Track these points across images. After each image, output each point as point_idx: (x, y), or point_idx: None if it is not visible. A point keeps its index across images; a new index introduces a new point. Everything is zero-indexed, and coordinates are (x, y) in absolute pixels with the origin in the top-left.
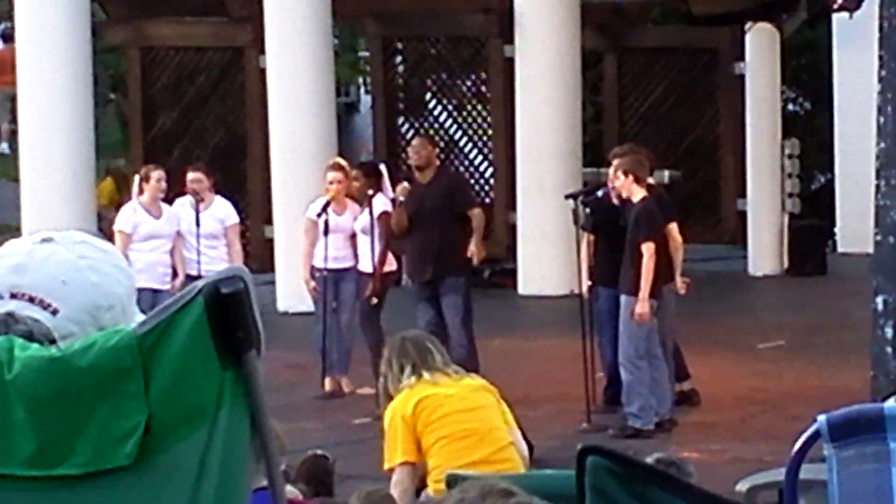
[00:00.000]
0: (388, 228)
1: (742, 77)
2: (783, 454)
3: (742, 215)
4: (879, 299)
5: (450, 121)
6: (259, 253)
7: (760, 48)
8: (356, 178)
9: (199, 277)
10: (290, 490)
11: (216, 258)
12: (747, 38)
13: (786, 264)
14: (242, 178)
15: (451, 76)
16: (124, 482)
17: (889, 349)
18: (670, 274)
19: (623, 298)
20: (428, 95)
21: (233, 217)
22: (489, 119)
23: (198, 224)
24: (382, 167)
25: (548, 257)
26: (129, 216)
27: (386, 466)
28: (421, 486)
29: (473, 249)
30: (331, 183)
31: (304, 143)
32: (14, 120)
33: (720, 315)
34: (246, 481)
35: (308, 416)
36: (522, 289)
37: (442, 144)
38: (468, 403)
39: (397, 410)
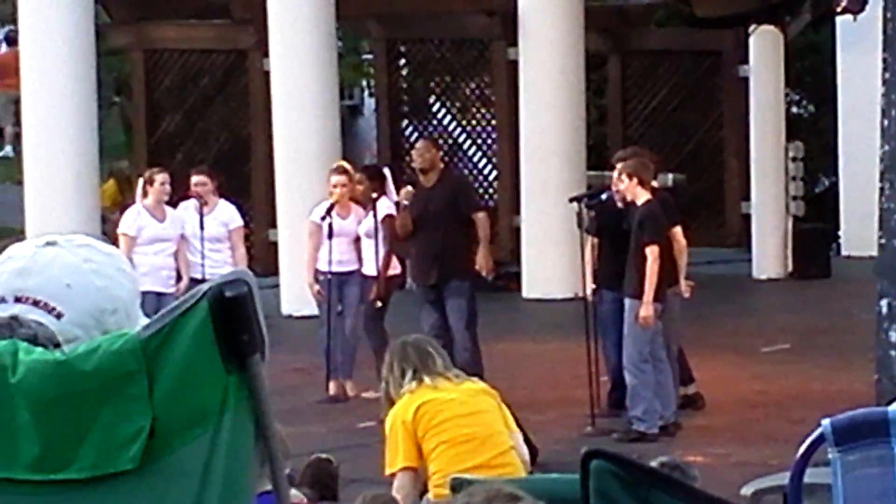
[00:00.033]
0: (392, 232)
1: (746, 79)
2: (787, 458)
3: (746, 218)
4: (884, 302)
5: (453, 123)
6: (263, 256)
7: (764, 50)
8: (360, 181)
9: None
10: (295, 494)
11: (220, 261)
12: (751, 40)
13: (790, 267)
14: (246, 181)
15: (454, 79)
16: (128, 486)
17: (893, 352)
18: (674, 277)
19: (627, 302)
20: (432, 98)
21: (237, 220)
22: (493, 122)
23: (202, 227)
24: (386, 170)
25: (552, 260)
26: (133, 219)
27: (387, 472)
28: (423, 490)
29: (482, 263)
30: (335, 186)
31: (308, 146)
32: (18, 123)
33: (724, 318)
34: (250, 485)
35: (312, 420)
36: (526, 292)
37: (446, 147)
38: (468, 408)
39: (398, 416)
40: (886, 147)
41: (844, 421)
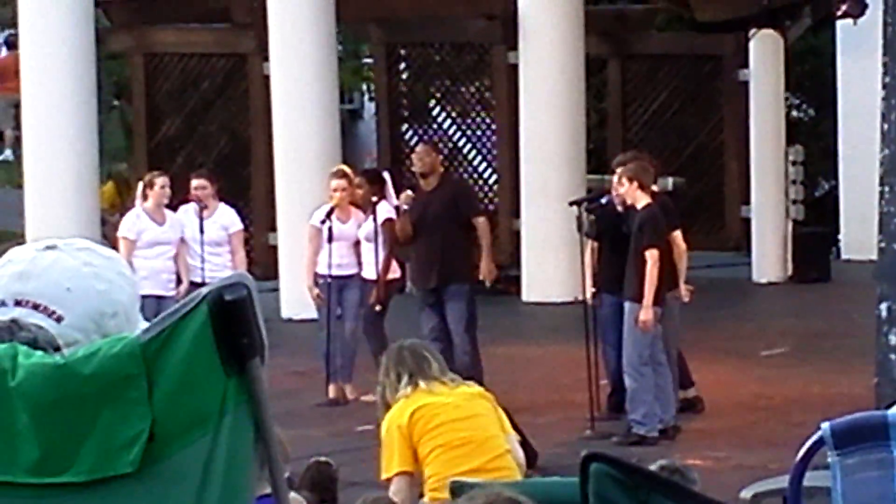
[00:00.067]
0: (391, 235)
1: (746, 83)
2: (787, 461)
3: (746, 222)
4: (884, 306)
5: (454, 127)
6: (263, 260)
7: (764, 55)
8: (360, 185)
9: (202, 284)
10: (294, 497)
11: (220, 265)
12: (751, 44)
13: (790, 271)
14: (246, 184)
15: (454, 82)
16: (128, 489)
17: (893, 356)
18: (674, 281)
19: (627, 305)
20: (432, 102)
21: (236, 224)
22: (493, 125)
23: (202, 231)
24: (386, 174)
25: (552, 264)
26: (133, 223)
27: (383, 477)
28: (420, 494)
29: (485, 270)
30: (335, 190)
31: (308, 150)
32: (18, 126)
33: (724, 322)
34: (250, 488)
35: (312, 423)
36: (526, 295)
37: (446, 151)
38: (464, 412)
39: (393, 420)
40: (886, 151)
41: (844, 424)
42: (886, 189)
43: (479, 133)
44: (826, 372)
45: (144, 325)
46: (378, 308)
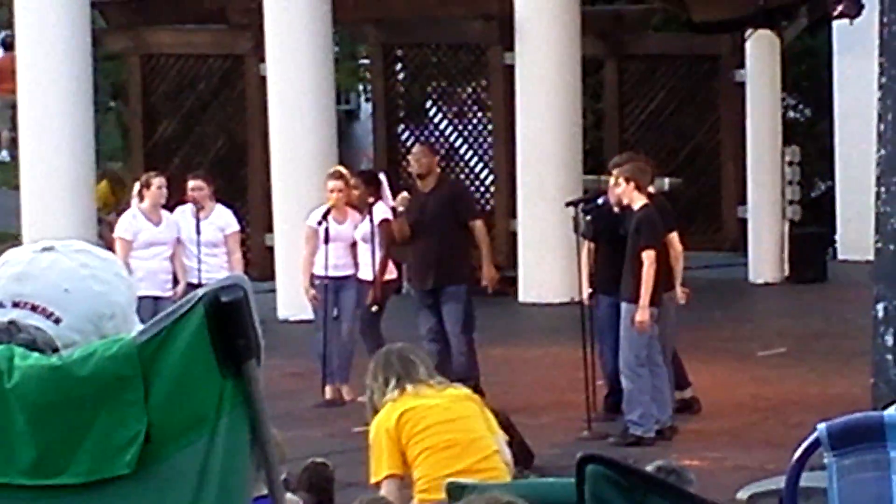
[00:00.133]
0: (388, 236)
1: (742, 84)
2: (784, 462)
3: (742, 222)
4: (880, 307)
5: (450, 128)
6: (259, 261)
7: (761, 55)
8: (356, 186)
9: (199, 286)
10: (291, 498)
11: (216, 266)
12: (748, 45)
13: (786, 271)
14: (243, 185)
15: (451, 83)
16: (125, 491)
17: (889, 357)
18: (671, 283)
19: (624, 306)
20: (428, 103)
21: (233, 225)
22: (489, 126)
23: (198, 232)
24: (382, 175)
25: (548, 265)
26: (130, 223)
27: (372, 480)
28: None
29: (488, 276)
30: (331, 191)
31: (305, 151)
32: (14, 128)
33: (721, 322)
34: (246, 489)
35: (309, 424)
36: (523, 296)
37: (442, 152)
38: (451, 414)
39: (381, 424)
40: (883, 151)
41: (840, 425)
42: (883, 189)
43: (475, 134)
44: (823, 372)
45: (140, 327)
46: (375, 309)
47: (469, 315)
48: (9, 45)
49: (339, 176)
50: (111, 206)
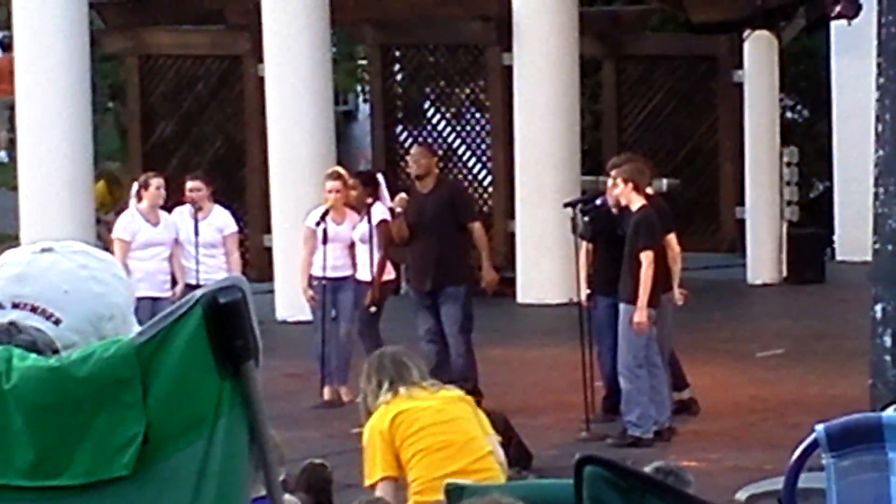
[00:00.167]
0: (386, 237)
1: (741, 85)
2: (782, 463)
3: (741, 223)
4: (878, 307)
5: (448, 129)
6: (258, 262)
7: (759, 56)
8: (354, 186)
9: (197, 286)
10: (290, 499)
11: (215, 267)
12: (746, 45)
13: (784, 272)
14: (241, 186)
15: (449, 84)
16: (123, 492)
17: (888, 357)
18: (669, 284)
19: (622, 307)
20: (426, 103)
21: (231, 226)
22: (487, 127)
23: (196, 233)
24: (380, 176)
25: (547, 266)
26: (128, 223)
27: (366, 483)
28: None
29: (487, 280)
30: (329, 191)
31: (303, 152)
32: (13, 128)
33: (719, 323)
34: (245, 490)
35: (307, 425)
36: (521, 297)
37: (440, 153)
38: (444, 416)
39: (374, 427)
40: (881, 152)
41: (838, 426)
42: (881, 190)
43: (473, 134)
44: (821, 373)
45: (138, 329)
46: (373, 310)
47: (468, 316)
48: (7, 46)
49: (338, 176)
50: (109, 206)
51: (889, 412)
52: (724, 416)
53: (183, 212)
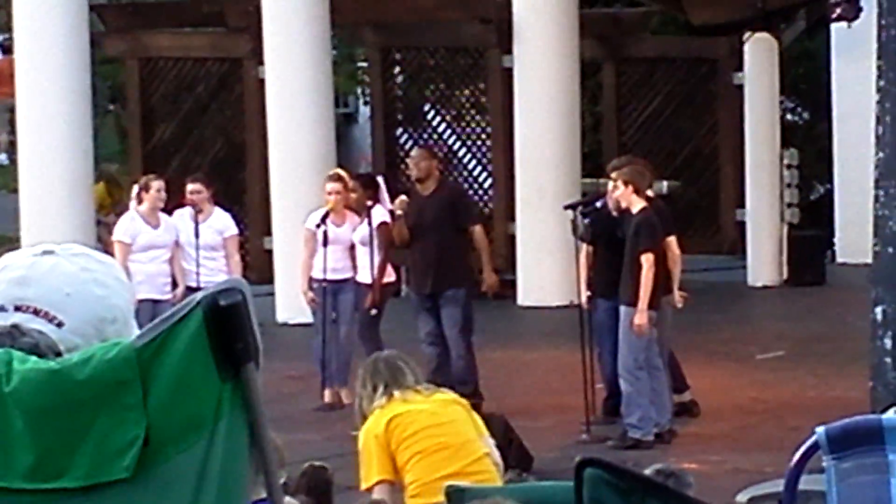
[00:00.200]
0: (387, 239)
1: (741, 87)
2: (783, 465)
3: (741, 225)
4: (878, 310)
5: (448, 131)
6: (258, 264)
7: (759, 58)
8: (354, 189)
9: (198, 289)
10: (290, 502)
11: (215, 269)
12: (746, 47)
13: (785, 274)
14: (241, 188)
15: (449, 86)
16: (123, 494)
17: (888, 360)
18: (669, 286)
19: (622, 309)
20: (426, 106)
21: (231, 228)
22: (488, 129)
23: (197, 235)
24: (380, 179)
25: (547, 268)
26: (128, 226)
27: (363, 487)
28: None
29: (488, 283)
30: (330, 194)
31: (303, 154)
32: (13, 131)
33: (719, 325)
34: (245, 493)
35: (307, 428)
36: (522, 300)
37: (441, 155)
38: (440, 418)
39: (370, 431)
40: (881, 154)
41: (838, 429)
42: (881, 192)
43: (473, 137)
44: (821, 375)
45: (137, 332)
46: (373, 312)
47: (468, 318)
48: (7, 49)
49: (338, 178)
50: (108, 208)
51: (889, 414)
52: (724, 418)
53: (183, 214)
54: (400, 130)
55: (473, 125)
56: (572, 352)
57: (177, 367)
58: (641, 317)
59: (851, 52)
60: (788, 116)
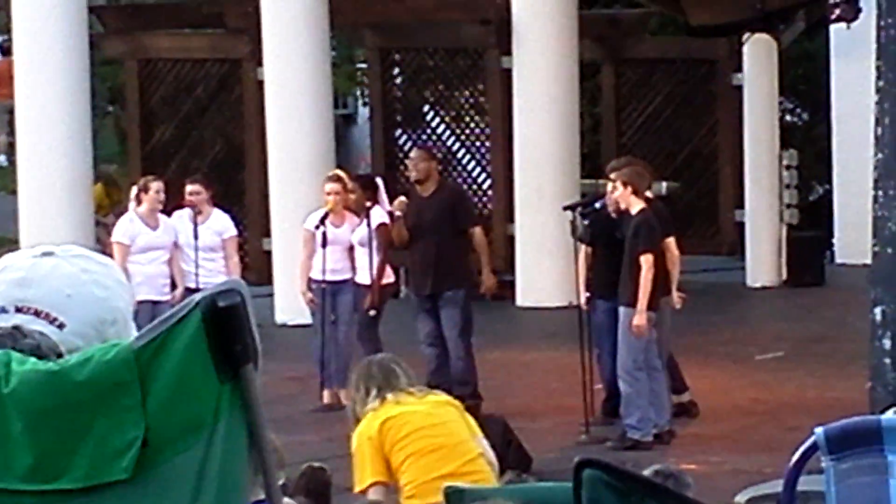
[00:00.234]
0: (386, 240)
1: (740, 88)
2: (782, 466)
3: (740, 226)
4: (878, 310)
5: (447, 132)
6: (257, 265)
7: (758, 59)
8: (353, 190)
9: (197, 290)
10: (289, 503)
11: (214, 271)
12: (745, 48)
13: (784, 275)
14: (240, 189)
15: (448, 87)
16: (122, 496)
17: (887, 360)
18: (668, 287)
19: (622, 310)
20: (426, 107)
21: (230, 230)
22: (487, 130)
23: (196, 236)
24: (379, 180)
25: (546, 269)
26: (127, 227)
27: (357, 489)
28: None
29: (487, 285)
30: (329, 194)
31: (302, 155)
32: (12, 132)
33: (718, 326)
34: (244, 494)
35: (306, 429)
36: (521, 300)
37: (440, 156)
38: (433, 419)
39: (363, 434)
40: (880, 155)
41: (837, 429)
42: (880, 193)
43: (472, 138)
44: (820, 376)
45: (136, 332)
46: (372, 313)
47: (467, 319)
48: (7, 50)
49: (337, 179)
50: (106, 209)
51: (888, 415)
52: (723, 419)
53: (182, 215)
54: (399, 131)
55: (473, 126)
56: (571, 353)
57: (176, 369)
58: (640, 318)
59: (850, 52)
60: (787, 117)
